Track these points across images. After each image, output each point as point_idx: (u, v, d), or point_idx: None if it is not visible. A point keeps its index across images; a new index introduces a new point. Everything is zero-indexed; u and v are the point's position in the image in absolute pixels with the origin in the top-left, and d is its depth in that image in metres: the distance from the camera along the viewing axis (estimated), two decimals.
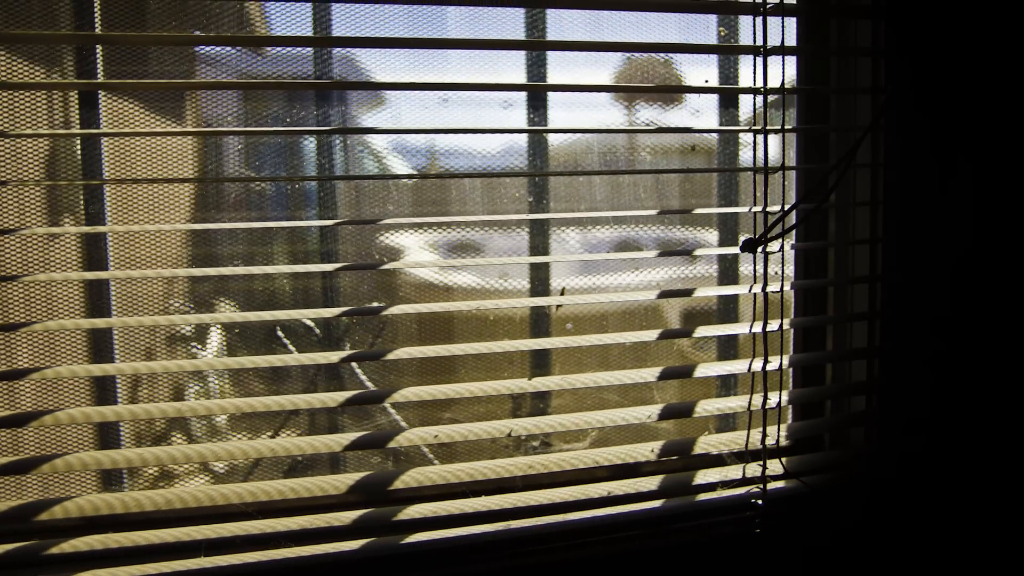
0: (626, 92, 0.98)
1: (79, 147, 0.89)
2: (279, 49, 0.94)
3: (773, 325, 0.87)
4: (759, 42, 0.86)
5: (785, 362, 0.89)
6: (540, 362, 0.98)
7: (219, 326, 0.96)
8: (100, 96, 0.89)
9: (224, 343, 0.96)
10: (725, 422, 1.03)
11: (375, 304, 0.95)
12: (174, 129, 0.93)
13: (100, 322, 0.84)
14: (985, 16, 0.90)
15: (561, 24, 0.94)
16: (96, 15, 0.88)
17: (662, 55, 0.99)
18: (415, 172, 0.97)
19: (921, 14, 0.89)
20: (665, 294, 0.91)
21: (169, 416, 0.78)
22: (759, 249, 0.86)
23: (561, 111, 0.94)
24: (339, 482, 0.78)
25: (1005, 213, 0.93)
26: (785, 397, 0.89)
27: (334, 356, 0.81)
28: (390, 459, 0.95)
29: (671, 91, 0.99)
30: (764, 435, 0.89)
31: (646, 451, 0.86)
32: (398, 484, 0.79)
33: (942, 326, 0.93)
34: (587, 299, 0.93)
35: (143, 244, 0.92)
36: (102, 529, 0.82)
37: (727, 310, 1.03)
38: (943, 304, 0.93)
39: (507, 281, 0.97)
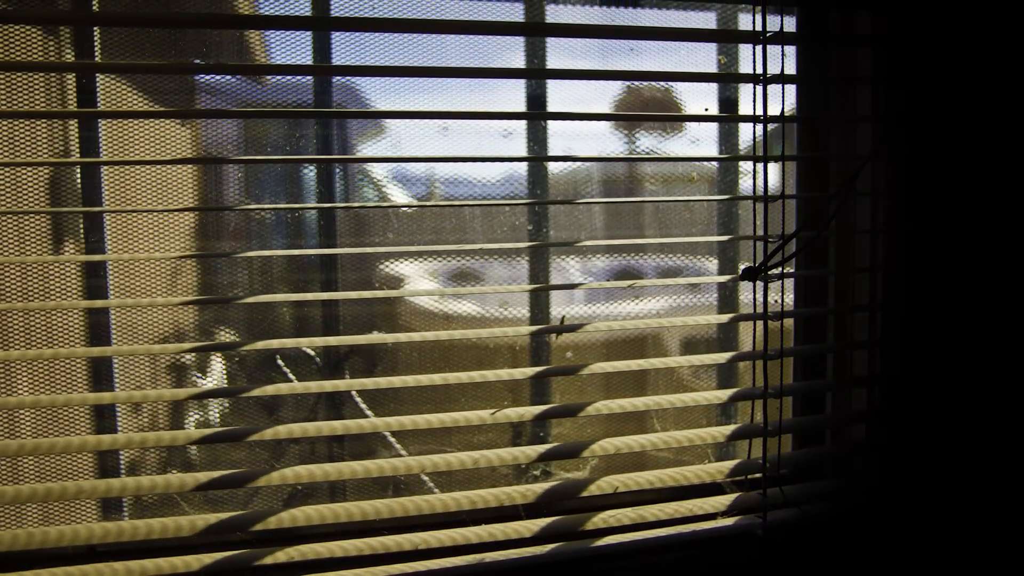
0: (626, 120, 0.98)
1: (79, 175, 0.89)
2: (280, 77, 0.94)
3: (773, 353, 0.87)
4: (759, 70, 0.86)
5: (785, 390, 0.89)
6: (540, 390, 0.98)
7: (219, 354, 0.96)
8: (100, 124, 0.89)
9: (224, 371, 0.96)
10: (724, 450, 1.03)
11: (375, 332, 0.95)
12: (174, 157, 0.93)
13: (100, 350, 0.84)
14: (985, 44, 0.90)
15: (561, 53, 0.94)
16: (96, 43, 0.88)
17: (662, 83, 0.99)
18: (415, 200, 0.97)
19: (921, 43, 0.89)
20: (665, 322, 0.91)
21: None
22: (759, 277, 0.86)
23: (561, 140, 0.94)
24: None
25: (1006, 241, 0.93)
26: (785, 425, 0.89)
27: (329, 385, 0.81)
28: (390, 488, 0.95)
29: (671, 119, 0.99)
30: (764, 463, 0.89)
31: (645, 479, 0.86)
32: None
33: (943, 354, 0.93)
34: (584, 326, 0.93)
35: (143, 272, 0.92)
36: (103, 557, 0.82)
37: (727, 338, 1.03)
38: (944, 332, 0.93)
39: (507, 309, 0.97)
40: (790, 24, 0.93)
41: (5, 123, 0.86)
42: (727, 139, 1.00)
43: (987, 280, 0.93)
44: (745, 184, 1.01)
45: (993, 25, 0.90)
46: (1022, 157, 0.92)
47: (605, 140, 0.98)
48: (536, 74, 0.93)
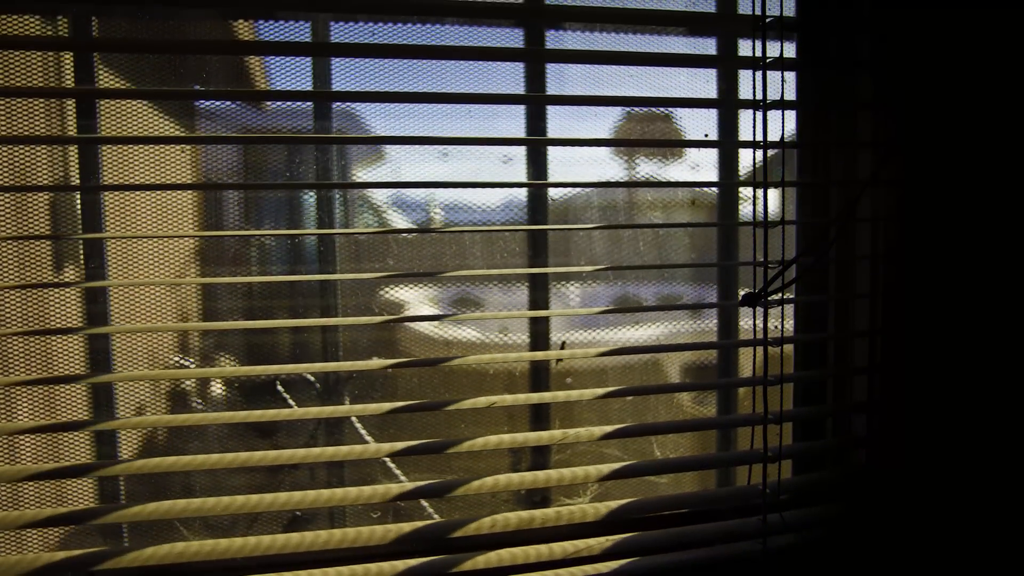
0: (626, 146, 0.98)
1: (79, 199, 0.89)
2: (280, 103, 0.94)
3: (773, 379, 0.87)
4: (759, 96, 0.86)
5: (785, 416, 0.89)
6: (539, 416, 0.98)
7: (220, 380, 0.96)
8: (100, 149, 0.89)
9: (224, 396, 0.96)
10: (723, 476, 1.03)
11: (375, 358, 0.95)
12: (175, 180, 0.93)
13: (100, 377, 0.84)
14: (986, 69, 0.90)
15: (561, 78, 0.94)
16: (96, 65, 0.88)
17: (662, 109, 0.99)
18: (415, 226, 0.97)
19: (922, 67, 0.89)
20: (665, 348, 0.91)
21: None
22: (759, 303, 0.86)
23: (561, 166, 0.94)
24: None
25: (1007, 266, 0.93)
26: (785, 451, 0.89)
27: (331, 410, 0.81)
28: (390, 514, 0.95)
29: (671, 145, 0.99)
30: (764, 489, 0.89)
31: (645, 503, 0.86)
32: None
33: (943, 379, 0.93)
34: (586, 353, 0.93)
35: (143, 297, 0.92)
36: None
37: (727, 364, 1.03)
38: (945, 357, 0.93)
39: (507, 335, 0.97)
40: (790, 50, 0.93)
41: (5, 147, 0.86)
42: (727, 165, 0.99)
43: (988, 305, 0.93)
44: (745, 210, 1.00)
45: (994, 49, 0.90)
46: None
47: (605, 166, 0.98)
48: (535, 100, 0.93)
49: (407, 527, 0.79)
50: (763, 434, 0.88)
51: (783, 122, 0.86)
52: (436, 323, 0.97)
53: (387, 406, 0.80)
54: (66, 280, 0.90)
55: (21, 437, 0.89)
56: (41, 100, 0.87)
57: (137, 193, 0.91)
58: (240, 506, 0.77)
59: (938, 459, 0.93)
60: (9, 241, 0.86)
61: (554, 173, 0.95)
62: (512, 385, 0.97)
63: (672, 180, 1.01)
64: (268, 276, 0.93)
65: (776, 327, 0.93)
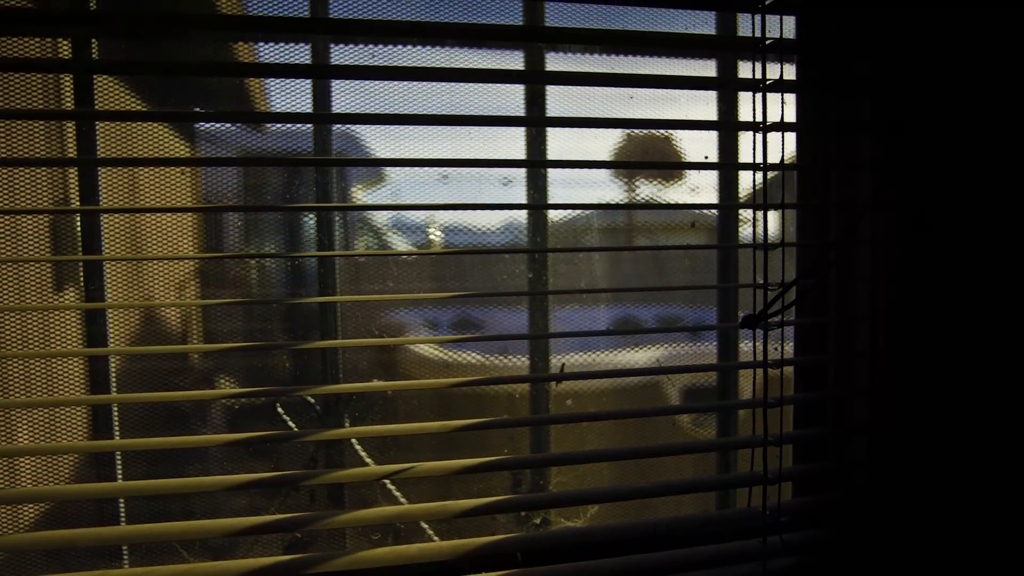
0: (626, 168, 0.97)
1: (78, 221, 0.89)
2: (279, 125, 0.94)
3: (773, 401, 0.87)
4: (759, 118, 0.86)
5: (785, 438, 0.89)
6: (539, 438, 0.98)
7: (219, 402, 0.96)
8: (99, 170, 0.89)
9: (224, 418, 0.96)
10: (723, 497, 1.03)
11: (375, 380, 0.95)
12: (174, 203, 0.93)
13: (99, 398, 0.84)
14: (986, 89, 0.90)
15: (561, 99, 0.94)
16: (95, 91, 0.88)
17: (662, 131, 0.99)
18: (415, 248, 0.97)
19: (922, 89, 0.89)
20: (665, 370, 0.91)
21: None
22: (759, 325, 0.86)
23: (561, 188, 0.94)
24: None
25: (1006, 286, 0.93)
26: (785, 473, 0.89)
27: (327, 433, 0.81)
28: (389, 535, 0.95)
29: (671, 167, 0.99)
30: (764, 511, 0.89)
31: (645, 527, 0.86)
32: None
33: (944, 401, 0.93)
34: (582, 374, 0.93)
35: (142, 319, 0.92)
36: None
37: (727, 386, 1.03)
38: (944, 379, 0.93)
39: (507, 358, 0.97)
40: (790, 72, 0.93)
41: (4, 170, 0.86)
42: (727, 187, 0.99)
43: (989, 326, 0.93)
44: (745, 232, 1.00)
45: (994, 69, 0.90)
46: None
47: (605, 188, 0.98)
48: (536, 122, 0.93)
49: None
50: (763, 456, 0.88)
51: (783, 144, 0.86)
52: (436, 345, 0.97)
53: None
54: (66, 300, 0.90)
55: (21, 458, 0.89)
56: (40, 123, 0.87)
57: (136, 215, 0.91)
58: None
59: (938, 480, 0.93)
60: (9, 263, 0.86)
61: (554, 195, 0.95)
62: (512, 407, 0.97)
63: (672, 202, 1.01)
64: (267, 298, 0.93)
65: (776, 349, 0.93)
